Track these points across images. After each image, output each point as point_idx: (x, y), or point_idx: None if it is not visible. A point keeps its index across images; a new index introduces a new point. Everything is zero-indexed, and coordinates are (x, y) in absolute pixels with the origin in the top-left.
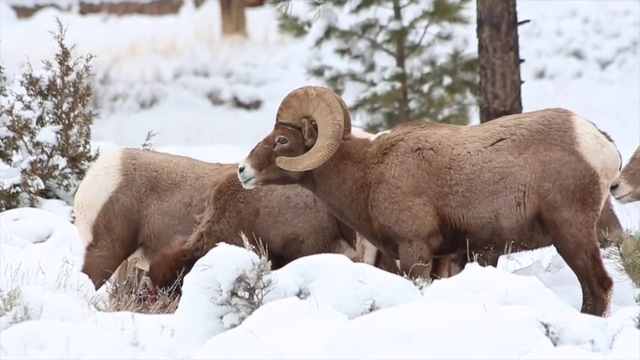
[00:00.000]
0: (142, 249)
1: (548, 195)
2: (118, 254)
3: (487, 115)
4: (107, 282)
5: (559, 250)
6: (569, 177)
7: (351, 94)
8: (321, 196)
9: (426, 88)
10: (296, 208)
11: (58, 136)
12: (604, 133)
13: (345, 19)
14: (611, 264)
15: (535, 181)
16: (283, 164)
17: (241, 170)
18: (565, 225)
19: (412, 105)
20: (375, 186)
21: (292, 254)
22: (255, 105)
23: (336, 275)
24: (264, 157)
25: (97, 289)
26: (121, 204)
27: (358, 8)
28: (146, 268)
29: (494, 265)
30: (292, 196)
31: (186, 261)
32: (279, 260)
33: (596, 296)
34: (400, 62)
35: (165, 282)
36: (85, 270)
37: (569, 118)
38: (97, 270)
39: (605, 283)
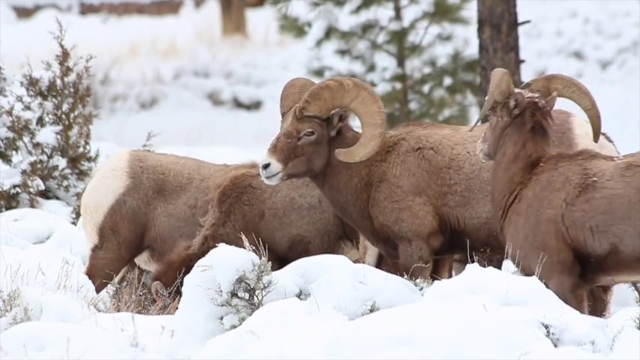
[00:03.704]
0: (148, 251)
1: None
2: (123, 257)
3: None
4: (110, 284)
5: None
6: None
7: None
8: (327, 191)
9: (426, 88)
10: (300, 209)
11: (58, 136)
12: (604, 134)
13: (346, 20)
14: None
15: None
16: (343, 156)
17: (266, 166)
18: None
19: (413, 106)
20: (377, 185)
21: (299, 255)
22: (256, 106)
23: (337, 276)
24: (290, 151)
25: (99, 291)
26: (128, 206)
27: (358, 9)
28: (151, 269)
29: (499, 267)
30: (296, 198)
31: (194, 266)
32: (284, 262)
33: (596, 297)
34: (400, 63)
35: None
36: (89, 272)
37: (568, 119)
38: (101, 272)
39: None
